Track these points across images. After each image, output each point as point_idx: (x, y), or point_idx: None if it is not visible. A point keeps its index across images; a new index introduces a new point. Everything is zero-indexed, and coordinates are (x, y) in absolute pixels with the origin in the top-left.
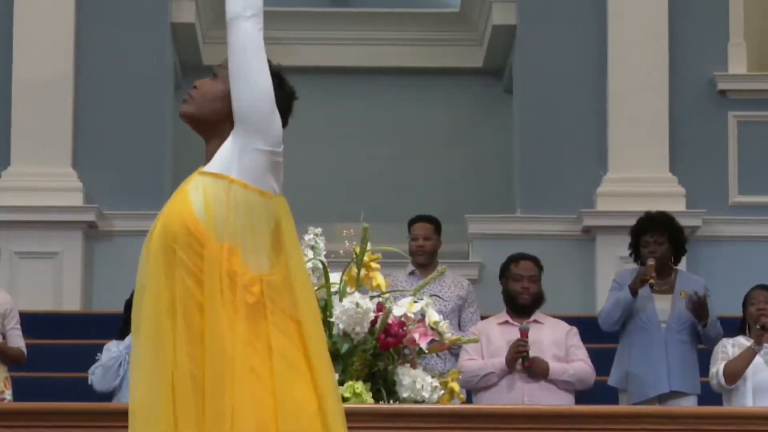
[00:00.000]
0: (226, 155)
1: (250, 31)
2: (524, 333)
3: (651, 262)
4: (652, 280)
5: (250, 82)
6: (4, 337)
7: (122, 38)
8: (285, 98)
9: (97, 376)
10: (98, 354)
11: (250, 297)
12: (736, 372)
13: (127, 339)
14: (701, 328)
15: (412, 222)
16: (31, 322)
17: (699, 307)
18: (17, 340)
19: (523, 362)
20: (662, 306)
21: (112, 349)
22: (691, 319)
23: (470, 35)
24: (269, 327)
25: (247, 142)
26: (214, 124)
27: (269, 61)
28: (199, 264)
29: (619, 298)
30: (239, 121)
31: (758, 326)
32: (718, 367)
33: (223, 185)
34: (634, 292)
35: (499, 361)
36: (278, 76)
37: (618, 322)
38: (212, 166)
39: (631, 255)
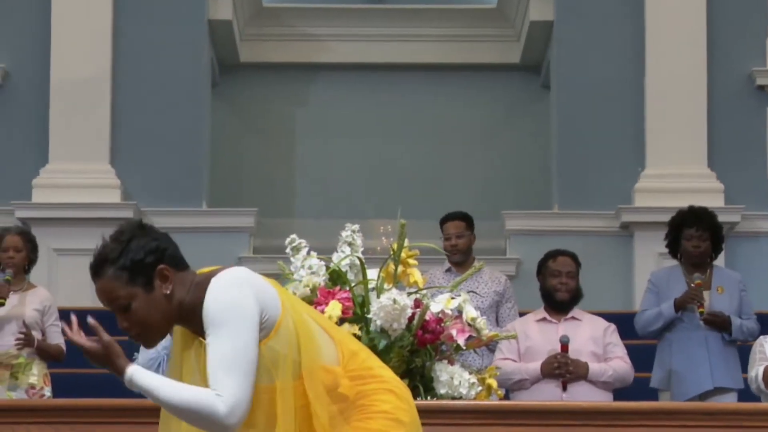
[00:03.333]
0: None
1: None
2: (564, 347)
3: (698, 280)
4: (701, 309)
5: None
6: (43, 334)
7: (159, 36)
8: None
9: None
10: (135, 354)
11: None
12: None
13: (166, 339)
14: (728, 336)
15: (443, 221)
16: (69, 319)
17: (717, 323)
18: (56, 337)
19: (561, 379)
20: None
21: (143, 352)
22: (730, 314)
23: (507, 31)
24: None
25: None
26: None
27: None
28: None
29: (663, 310)
30: None
31: None
32: (757, 370)
33: None
34: (678, 308)
35: (534, 368)
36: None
37: (656, 333)
38: None
39: (667, 247)
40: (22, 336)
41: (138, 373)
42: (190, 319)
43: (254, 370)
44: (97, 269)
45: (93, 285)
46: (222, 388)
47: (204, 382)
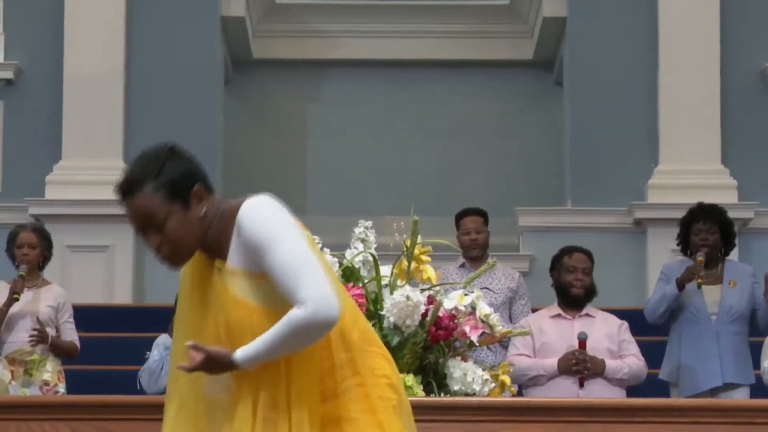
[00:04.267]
0: None
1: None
2: (582, 344)
3: (700, 257)
4: (700, 280)
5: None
6: (57, 331)
7: (172, 32)
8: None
9: (144, 379)
10: (147, 353)
11: None
12: None
13: (167, 339)
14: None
15: (460, 216)
16: (82, 316)
17: None
18: (70, 334)
19: (578, 375)
20: (711, 297)
21: (154, 351)
22: (743, 308)
23: (520, 27)
24: None
25: None
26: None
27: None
28: None
29: (666, 291)
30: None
31: None
32: None
33: None
34: (681, 286)
35: (551, 364)
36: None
37: (663, 316)
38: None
39: (679, 245)
40: (36, 332)
41: (242, 354)
42: (213, 242)
43: (320, 264)
44: (132, 187)
45: (105, 282)
46: (300, 296)
47: (230, 301)
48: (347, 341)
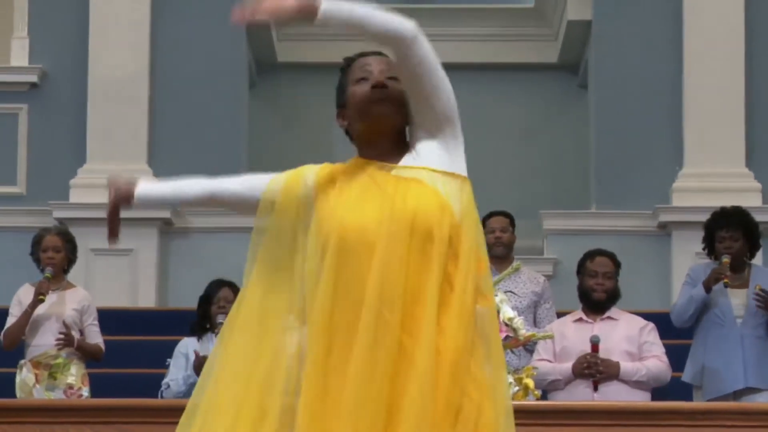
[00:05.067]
0: (441, 153)
1: (427, 44)
2: (595, 347)
3: (726, 259)
4: (726, 279)
5: (448, 87)
6: (82, 334)
7: (197, 35)
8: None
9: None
10: (168, 360)
11: (480, 308)
12: None
13: (188, 345)
14: None
15: (486, 218)
16: (106, 319)
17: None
18: (95, 337)
19: (592, 379)
20: (737, 301)
21: (177, 370)
22: None
23: (545, 31)
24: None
25: (457, 142)
26: (401, 126)
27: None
28: (452, 263)
29: (692, 295)
30: (447, 123)
31: None
32: None
33: (457, 184)
34: (708, 288)
35: (567, 368)
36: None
37: (691, 319)
38: (433, 163)
39: (704, 249)
40: (62, 336)
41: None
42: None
43: None
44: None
45: (129, 285)
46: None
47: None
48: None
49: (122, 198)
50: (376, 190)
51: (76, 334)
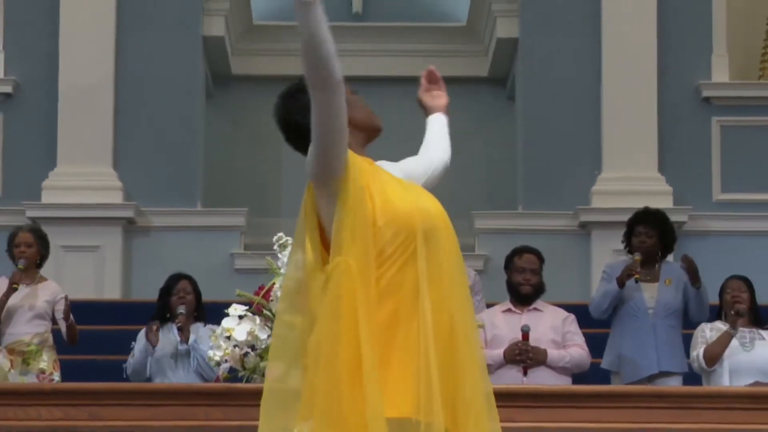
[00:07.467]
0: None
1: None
2: (525, 335)
3: (637, 256)
4: (637, 275)
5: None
6: (54, 323)
7: (159, 48)
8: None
9: (131, 375)
10: (132, 343)
11: None
12: (714, 355)
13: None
14: (695, 291)
15: None
16: (75, 310)
17: (692, 268)
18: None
19: (522, 365)
20: (649, 294)
21: (139, 344)
22: (677, 304)
23: (476, 47)
24: None
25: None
26: None
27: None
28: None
29: (607, 289)
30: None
31: (733, 312)
32: (698, 351)
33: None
34: (621, 283)
35: (498, 354)
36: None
37: (607, 312)
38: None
39: (623, 243)
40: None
41: None
42: None
43: None
44: None
45: (96, 279)
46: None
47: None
48: None
49: None
50: (405, 183)
51: (47, 324)
